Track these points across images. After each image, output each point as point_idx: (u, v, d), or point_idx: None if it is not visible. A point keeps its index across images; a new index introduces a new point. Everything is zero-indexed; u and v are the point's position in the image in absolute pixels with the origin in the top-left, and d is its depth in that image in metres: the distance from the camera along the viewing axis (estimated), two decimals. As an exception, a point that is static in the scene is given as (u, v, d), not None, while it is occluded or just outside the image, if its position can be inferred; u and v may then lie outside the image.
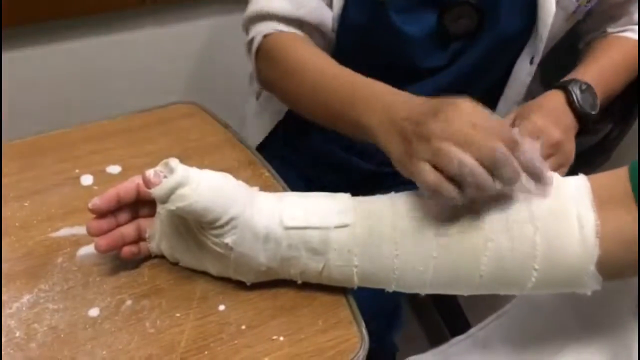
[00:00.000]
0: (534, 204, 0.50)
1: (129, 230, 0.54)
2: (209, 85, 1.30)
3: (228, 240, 0.51)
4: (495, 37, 0.71)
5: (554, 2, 0.68)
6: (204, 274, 0.56)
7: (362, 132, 0.55)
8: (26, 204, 0.62)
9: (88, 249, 0.57)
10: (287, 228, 0.52)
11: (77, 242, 0.58)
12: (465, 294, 0.53)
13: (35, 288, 0.54)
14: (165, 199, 0.49)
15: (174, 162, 0.49)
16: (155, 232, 0.55)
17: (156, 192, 0.49)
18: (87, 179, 0.65)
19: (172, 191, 0.49)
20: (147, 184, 0.49)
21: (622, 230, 0.48)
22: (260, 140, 0.88)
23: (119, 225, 0.54)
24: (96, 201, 0.52)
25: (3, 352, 0.49)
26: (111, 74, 1.20)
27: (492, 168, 0.45)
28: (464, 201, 0.47)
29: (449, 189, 0.46)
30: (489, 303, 0.81)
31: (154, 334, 0.51)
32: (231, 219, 0.51)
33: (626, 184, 0.49)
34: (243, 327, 0.52)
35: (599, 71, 0.73)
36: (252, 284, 0.55)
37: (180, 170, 0.49)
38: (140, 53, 1.22)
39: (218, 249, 0.52)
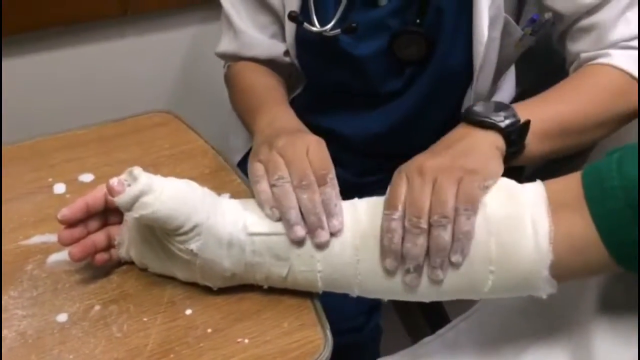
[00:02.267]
0: (489, 209, 0.51)
1: (99, 237, 0.55)
2: (190, 93, 1.32)
3: (193, 246, 0.52)
4: (443, 66, 0.73)
5: (485, 34, 0.68)
6: (172, 279, 0.57)
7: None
8: (-1, 212, 0.63)
9: (58, 256, 0.58)
10: (251, 234, 0.53)
11: (48, 249, 0.59)
12: (427, 300, 0.55)
13: (5, 295, 0.55)
14: (128, 207, 0.50)
15: (137, 170, 0.51)
16: (124, 239, 0.57)
17: (120, 200, 0.50)
18: (59, 188, 0.66)
19: (135, 199, 0.50)
20: (111, 192, 0.50)
21: (573, 235, 0.49)
22: (247, 149, 0.90)
23: (89, 233, 0.55)
24: (65, 212, 0.53)
25: (-29, 358, 0.50)
26: (93, 83, 1.21)
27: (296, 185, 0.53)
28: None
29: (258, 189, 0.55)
30: (470, 301, 0.82)
31: (120, 338, 0.52)
32: (195, 226, 0.52)
33: (579, 189, 0.50)
34: (209, 330, 0.53)
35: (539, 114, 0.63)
36: (218, 288, 0.56)
37: (143, 179, 0.50)
38: (122, 62, 1.24)
39: (184, 256, 0.53)
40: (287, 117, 0.67)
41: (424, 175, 0.51)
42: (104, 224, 0.57)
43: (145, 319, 0.54)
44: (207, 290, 0.56)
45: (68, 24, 1.15)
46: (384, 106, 0.78)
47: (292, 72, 0.82)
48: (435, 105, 0.77)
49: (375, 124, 0.79)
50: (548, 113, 0.62)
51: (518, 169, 0.81)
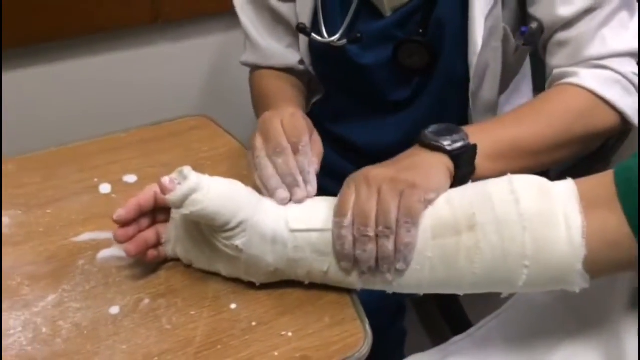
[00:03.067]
0: (523, 205, 0.53)
1: (150, 235, 0.58)
2: (219, 98, 1.35)
3: (238, 242, 0.55)
4: (446, 75, 0.75)
5: (479, 44, 0.70)
6: (216, 275, 0.59)
7: None
8: (49, 211, 0.66)
9: (107, 252, 0.61)
10: (293, 230, 0.55)
11: (97, 245, 0.62)
12: (461, 293, 0.56)
13: (59, 288, 0.57)
14: (179, 205, 0.53)
15: (187, 169, 0.53)
16: (171, 236, 0.59)
17: (171, 198, 0.53)
18: (105, 188, 0.69)
19: (185, 197, 0.52)
20: (163, 190, 0.53)
21: (607, 231, 0.51)
22: None
23: (140, 231, 0.58)
24: (120, 212, 0.56)
25: (31, 347, 0.52)
26: (126, 88, 1.25)
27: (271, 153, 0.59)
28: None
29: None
30: (491, 303, 0.84)
31: (170, 329, 0.54)
32: (240, 223, 0.54)
33: (611, 187, 0.52)
34: (253, 323, 0.56)
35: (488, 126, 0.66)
36: (261, 284, 0.58)
37: (193, 177, 0.53)
38: (153, 68, 1.27)
39: (229, 251, 0.56)
40: (286, 107, 0.69)
41: (370, 185, 0.54)
42: (153, 222, 0.59)
43: (192, 312, 0.56)
44: (250, 285, 0.58)
45: (102, 32, 1.19)
46: (394, 115, 0.81)
47: (311, 77, 0.86)
48: (445, 114, 0.78)
49: (387, 133, 0.82)
50: (503, 135, 0.64)
51: (543, 171, 0.83)
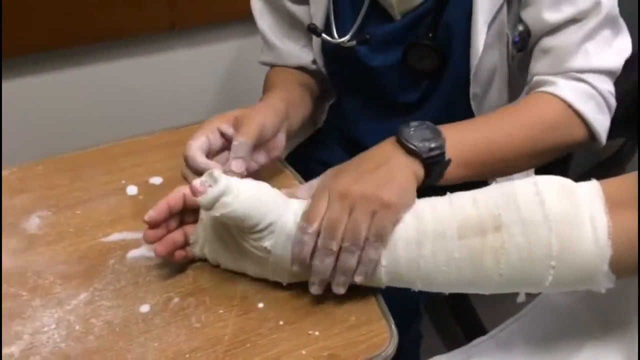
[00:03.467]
0: (548, 206, 0.54)
1: (178, 236, 0.59)
2: (235, 102, 1.36)
3: (266, 244, 0.56)
4: (455, 78, 0.76)
5: (480, 49, 0.71)
6: (243, 275, 0.60)
7: None
8: (78, 212, 0.67)
9: (137, 252, 0.62)
10: None
11: (126, 246, 0.63)
12: (487, 292, 0.57)
13: (90, 287, 0.59)
14: (210, 207, 0.54)
15: (217, 172, 0.54)
16: (199, 237, 0.60)
17: (202, 200, 0.54)
18: (132, 190, 0.70)
19: (216, 199, 0.54)
20: (194, 192, 0.54)
21: (631, 231, 0.51)
22: (286, 154, 0.94)
23: (169, 232, 0.59)
24: (151, 213, 0.57)
25: (65, 344, 0.53)
26: (143, 93, 1.27)
27: None
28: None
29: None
30: (504, 307, 0.84)
31: (199, 328, 0.55)
32: (269, 224, 0.55)
33: (635, 187, 0.53)
34: (281, 322, 0.56)
35: (465, 133, 0.65)
36: (287, 284, 0.59)
37: (223, 180, 0.54)
38: (170, 73, 1.29)
39: (257, 252, 0.57)
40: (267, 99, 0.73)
41: (344, 201, 0.55)
42: (181, 223, 0.60)
43: (220, 311, 0.57)
44: (277, 285, 0.59)
45: (121, 38, 1.21)
46: (403, 117, 0.81)
47: (324, 78, 0.87)
48: (453, 117, 0.79)
49: None
50: (478, 142, 0.65)
51: (562, 171, 0.84)
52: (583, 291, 0.62)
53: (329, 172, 0.60)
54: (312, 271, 0.56)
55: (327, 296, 0.59)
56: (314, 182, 0.62)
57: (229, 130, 0.65)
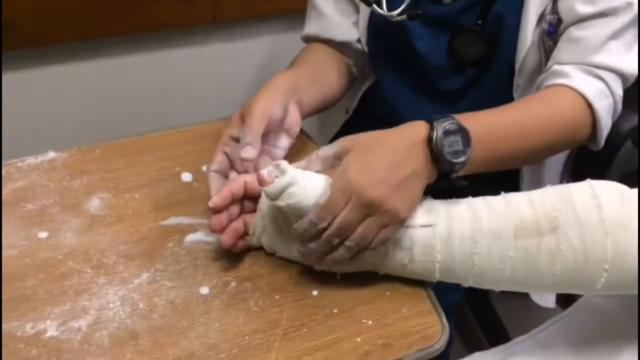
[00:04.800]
0: (605, 211, 0.55)
1: (239, 225, 0.61)
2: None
3: None
4: (500, 68, 0.76)
5: (529, 39, 0.71)
6: (297, 264, 0.62)
7: None
8: (136, 196, 0.69)
9: (195, 236, 0.64)
10: None
11: (183, 230, 0.65)
12: (538, 292, 0.59)
13: (152, 267, 0.61)
14: (276, 197, 0.55)
15: (284, 164, 0.56)
16: (257, 226, 0.62)
17: (269, 190, 0.55)
18: (187, 176, 0.73)
19: (282, 190, 0.55)
20: (262, 182, 0.55)
21: None
22: (332, 135, 0.96)
23: (230, 220, 0.61)
24: (215, 200, 0.59)
25: (131, 320, 0.56)
26: (185, 84, 1.29)
27: None
28: None
29: None
30: (528, 313, 0.85)
31: (257, 311, 0.57)
32: None
33: None
34: (335, 310, 0.58)
35: (489, 126, 0.64)
36: (339, 273, 0.61)
37: (290, 172, 0.55)
38: (208, 66, 1.31)
39: None
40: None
41: (365, 209, 0.54)
42: (241, 212, 0.62)
43: (277, 297, 0.59)
44: (330, 275, 0.61)
45: (164, 29, 1.23)
46: (444, 106, 0.81)
47: (365, 61, 0.87)
48: (499, 105, 0.80)
49: None
50: (502, 147, 0.63)
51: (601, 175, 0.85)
52: (624, 296, 0.64)
53: (350, 146, 0.58)
54: (302, 249, 0.58)
55: (379, 288, 0.61)
56: (328, 152, 0.59)
57: (239, 132, 0.65)
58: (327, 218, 0.55)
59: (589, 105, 0.68)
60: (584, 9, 0.69)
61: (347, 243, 0.56)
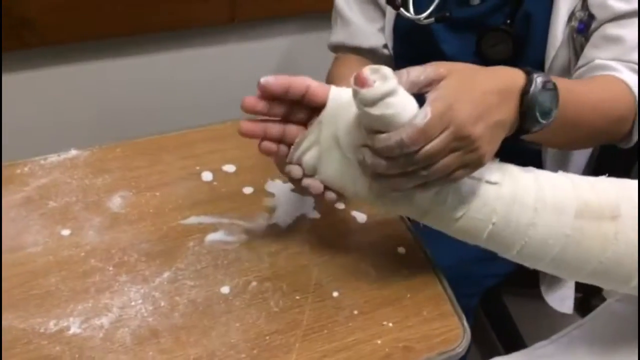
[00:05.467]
0: None
1: (274, 127, 0.54)
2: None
3: None
4: (533, 64, 0.73)
5: (559, 38, 0.70)
6: (317, 264, 0.62)
7: None
8: (157, 194, 0.70)
9: (215, 236, 0.65)
10: None
11: (204, 229, 0.65)
12: (572, 278, 0.57)
13: (173, 266, 0.61)
14: (374, 103, 0.48)
15: (386, 69, 0.49)
16: (304, 140, 0.55)
17: (368, 93, 0.48)
18: (207, 176, 0.73)
19: (382, 97, 0.48)
20: (361, 82, 0.48)
21: None
22: None
23: (267, 118, 0.54)
24: (270, 79, 0.52)
25: (152, 319, 0.56)
26: (203, 83, 1.30)
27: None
28: None
29: None
30: (545, 322, 0.84)
31: (278, 312, 0.57)
32: None
33: None
34: (355, 312, 0.58)
35: (568, 93, 0.59)
36: (359, 274, 0.61)
37: (393, 80, 0.49)
38: (228, 65, 1.32)
39: None
40: None
41: (455, 141, 0.49)
42: (284, 120, 0.55)
43: (297, 297, 0.59)
44: (351, 275, 0.61)
45: (183, 29, 1.24)
46: None
47: (393, 66, 0.86)
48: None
49: None
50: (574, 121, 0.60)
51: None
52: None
53: (447, 73, 0.52)
54: (371, 160, 0.50)
55: (399, 289, 0.61)
56: (419, 76, 0.52)
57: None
58: (420, 142, 0.48)
59: (635, 100, 0.66)
60: (620, 6, 0.68)
61: (422, 172, 0.50)
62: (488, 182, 0.54)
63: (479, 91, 0.50)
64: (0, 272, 0.59)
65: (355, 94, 0.49)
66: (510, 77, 0.53)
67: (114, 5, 1.14)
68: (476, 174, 0.54)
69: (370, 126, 0.51)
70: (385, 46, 0.84)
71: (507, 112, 0.52)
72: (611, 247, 0.53)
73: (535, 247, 0.55)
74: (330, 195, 0.56)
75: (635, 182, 0.57)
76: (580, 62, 0.72)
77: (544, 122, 0.53)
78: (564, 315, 0.92)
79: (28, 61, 1.16)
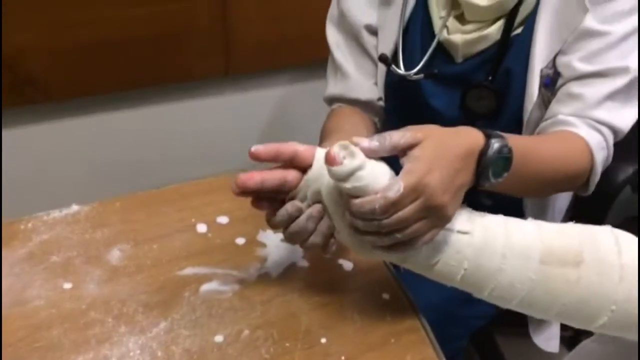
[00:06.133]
0: (624, 258, 0.58)
1: (272, 179, 0.59)
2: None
3: None
4: (510, 120, 0.81)
5: (535, 93, 0.75)
6: (306, 312, 0.65)
7: None
8: (155, 246, 0.73)
9: (209, 286, 0.68)
10: None
11: (199, 279, 0.69)
12: (541, 317, 0.61)
13: (169, 316, 0.64)
14: (345, 178, 0.54)
15: (353, 147, 0.55)
16: (297, 194, 0.60)
17: (338, 170, 0.54)
18: (202, 227, 0.77)
19: (352, 172, 0.54)
20: (331, 161, 0.54)
21: None
22: None
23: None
24: (259, 148, 0.58)
25: (150, 368, 0.59)
26: (198, 135, 1.35)
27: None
28: None
29: None
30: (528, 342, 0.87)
31: (269, 359, 0.60)
32: None
33: None
34: (343, 357, 0.61)
35: (520, 151, 0.63)
36: (346, 320, 0.64)
37: (360, 155, 0.55)
38: (222, 116, 1.38)
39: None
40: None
41: (425, 211, 0.54)
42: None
43: (287, 344, 0.62)
44: (338, 322, 0.64)
45: (180, 82, 1.30)
46: None
47: (385, 118, 0.91)
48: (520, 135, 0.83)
49: None
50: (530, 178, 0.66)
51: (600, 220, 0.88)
52: (621, 344, 0.66)
53: (422, 139, 0.56)
54: (350, 220, 0.56)
55: (384, 334, 0.64)
56: (399, 141, 0.56)
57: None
58: (391, 212, 0.54)
59: (591, 155, 0.72)
60: (583, 67, 0.74)
61: (397, 234, 0.55)
62: (459, 231, 0.59)
63: (448, 158, 0.56)
64: (0, 328, 0.62)
65: (329, 170, 0.55)
66: (473, 139, 0.59)
67: (113, 63, 1.20)
68: (449, 225, 0.58)
69: (347, 193, 0.56)
70: (380, 99, 0.89)
71: (468, 174, 0.58)
72: (574, 290, 0.57)
73: (504, 289, 0.59)
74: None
75: (600, 228, 0.61)
76: (546, 116, 0.77)
77: (494, 181, 0.59)
78: (551, 353, 0.95)
79: (30, 116, 1.21)
